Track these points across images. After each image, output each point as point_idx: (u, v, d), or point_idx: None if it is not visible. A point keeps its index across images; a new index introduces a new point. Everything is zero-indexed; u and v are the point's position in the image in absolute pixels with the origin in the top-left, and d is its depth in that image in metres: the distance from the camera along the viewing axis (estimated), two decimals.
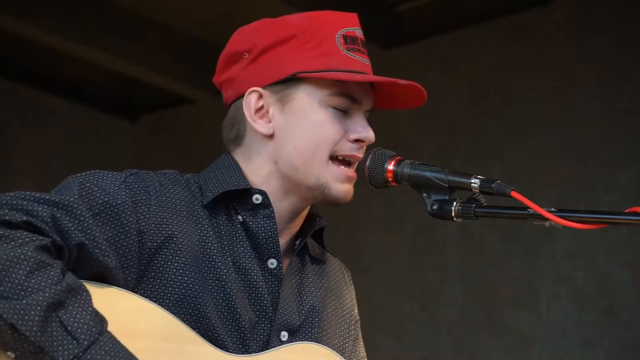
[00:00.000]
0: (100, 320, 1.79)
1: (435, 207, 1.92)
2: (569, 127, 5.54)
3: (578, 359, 5.35)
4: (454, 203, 1.90)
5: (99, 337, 1.76)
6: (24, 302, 1.72)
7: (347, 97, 1.99)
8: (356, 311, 2.18)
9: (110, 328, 1.80)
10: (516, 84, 5.77)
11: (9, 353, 1.75)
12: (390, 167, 1.96)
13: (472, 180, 1.88)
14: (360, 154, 2.01)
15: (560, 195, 5.43)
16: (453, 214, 1.90)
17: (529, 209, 1.81)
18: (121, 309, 1.85)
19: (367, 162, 1.98)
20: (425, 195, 1.93)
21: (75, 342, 1.74)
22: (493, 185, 1.86)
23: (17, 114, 6.87)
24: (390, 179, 1.97)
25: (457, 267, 5.80)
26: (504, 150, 5.72)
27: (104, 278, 1.88)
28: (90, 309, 1.78)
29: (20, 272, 1.74)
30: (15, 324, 1.72)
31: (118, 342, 1.78)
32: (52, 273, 1.77)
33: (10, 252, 1.75)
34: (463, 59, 5.97)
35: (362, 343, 2.18)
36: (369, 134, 2.00)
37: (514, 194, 1.82)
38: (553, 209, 1.79)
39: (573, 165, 5.50)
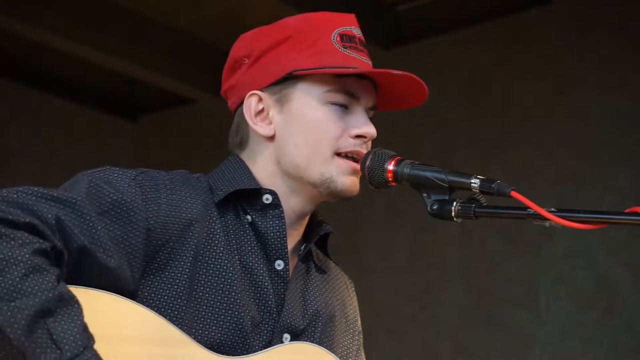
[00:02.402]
0: (88, 336, 1.75)
1: (435, 207, 1.91)
2: (569, 127, 5.53)
3: (578, 359, 5.35)
4: (454, 203, 1.89)
5: (84, 351, 1.72)
6: (13, 304, 1.70)
7: (346, 93, 1.99)
8: (359, 322, 2.17)
9: (101, 333, 1.77)
10: (516, 84, 5.77)
11: None
12: (390, 167, 1.95)
13: (472, 180, 1.88)
14: (363, 150, 2.00)
15: (560, 195, 5.43)
16: (453, 214, 1.89)
17: (529, 209, 1.80)
18: (113, 314, 1.83)
19: (367, 162, 1.97)
20: (425, 195, 1.92)
21: (59, 351, 1.70)
22: (493, 185, 1.85)
23: (17, 114, 6.87)
24: (390, 179, 1.95)
25: (457, 267, 5.80)
26: (504, 150, 5.72)
27: (105, 279, 1.86)
28: (79, 321, 1.74)
29: (16, 273, 1.71)
30: (1, 326, 1.69)
31: None
32: (47, 279, 1.74)
33: (8, 251, 1.73)
34: (463, 59, 5.97)
35: (364, 355, 2.17)
36: (370, 129, 2.00)
37: (514, 194, 1.81)
38: (553, 209, 1.79)
39: (573, 165, 5.49)
